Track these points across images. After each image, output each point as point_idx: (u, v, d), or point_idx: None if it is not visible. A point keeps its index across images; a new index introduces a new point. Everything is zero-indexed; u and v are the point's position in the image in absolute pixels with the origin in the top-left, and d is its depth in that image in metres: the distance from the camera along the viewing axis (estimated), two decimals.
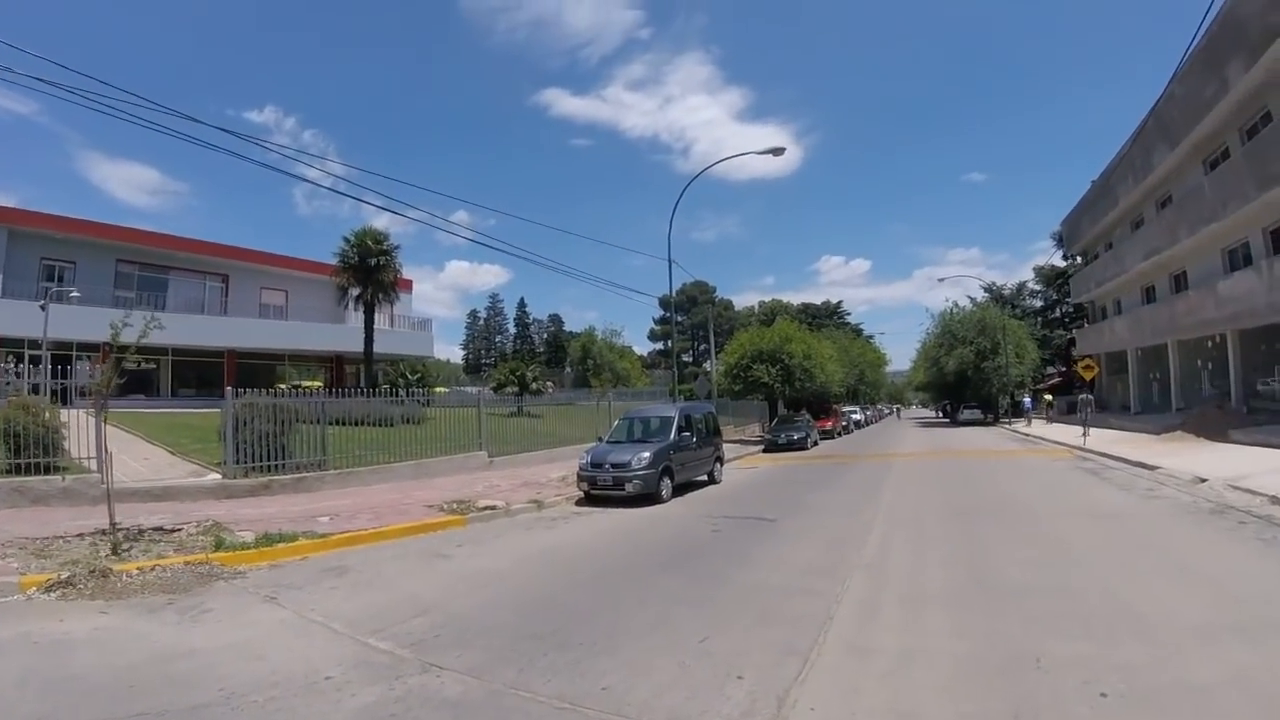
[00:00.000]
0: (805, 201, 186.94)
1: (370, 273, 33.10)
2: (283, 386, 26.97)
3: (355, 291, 33.66)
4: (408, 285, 46.75)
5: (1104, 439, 25.33)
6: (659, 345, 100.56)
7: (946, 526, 10.66)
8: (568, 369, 70.63)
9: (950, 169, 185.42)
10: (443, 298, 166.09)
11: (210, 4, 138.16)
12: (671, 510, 14.05)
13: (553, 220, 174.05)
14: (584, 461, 15.98)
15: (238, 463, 15.05)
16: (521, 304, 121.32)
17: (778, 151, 23.98)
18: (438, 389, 56.49)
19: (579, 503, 15.29)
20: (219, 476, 15.14)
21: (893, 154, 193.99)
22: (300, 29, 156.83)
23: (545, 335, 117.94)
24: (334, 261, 33.61)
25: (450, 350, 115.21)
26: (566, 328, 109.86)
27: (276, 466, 15.65)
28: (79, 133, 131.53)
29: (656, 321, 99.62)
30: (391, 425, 20.01)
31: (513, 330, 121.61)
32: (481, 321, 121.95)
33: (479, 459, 20.59)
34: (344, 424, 18.48)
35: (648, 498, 14.92)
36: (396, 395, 22.98)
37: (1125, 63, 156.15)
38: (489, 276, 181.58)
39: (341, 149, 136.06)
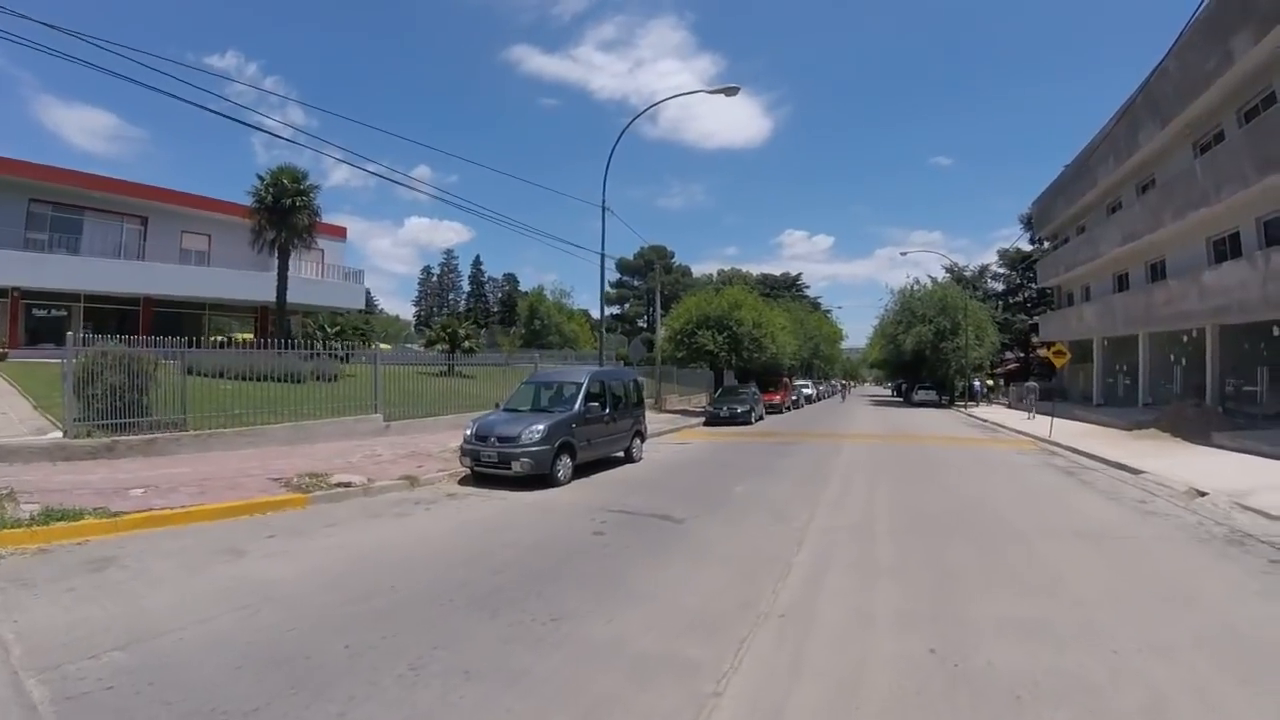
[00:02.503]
0: (772, 174, 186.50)
1: (285, 214, 29.96)
2: (220, 338, 24.67)
3: (270, 235, 30.44)
4: (340, 232, 44.43)
5: (1069, 431, 23.24)
6: (615, 309, 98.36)
7: (904, 548, 8.01)
8: (513, 329, 68.41)
9: (918, 151, 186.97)
10: (402, 254, 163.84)
11: None
12: (562, 498, 11.45)
13: (515, 180, 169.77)
14: (468, 433, 13.33)
15: (80, 420, 13.20)
16: (477, 261, 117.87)
17: (730, 91, 21.26)
18: (380, 345, 54.68)
19: (462, 481, 12.90)
20: (60, 435, 13.17)
21: (861, 132, 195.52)
22: None
23: (500, 295, 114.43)
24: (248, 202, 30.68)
25: (404, 307, 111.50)
26: (522, 287, 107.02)
27: (128, 425, 13.65)
28: (34, 75, 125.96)
29: (612, 285, 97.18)
30: (300, 382, 17.96)
31: (467, 289, 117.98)
32: (435, 279, 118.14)
33: (373, 423, 18.24)
34: (247, 379, 16.96)
35: (540, 479, 12.40)
36: (312, 349, 20.70)
37: (1096, 60, 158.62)
38: (450, 234, 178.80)
39: (303, 99, 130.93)
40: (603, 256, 22.63)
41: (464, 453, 13.05)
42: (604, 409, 14.66)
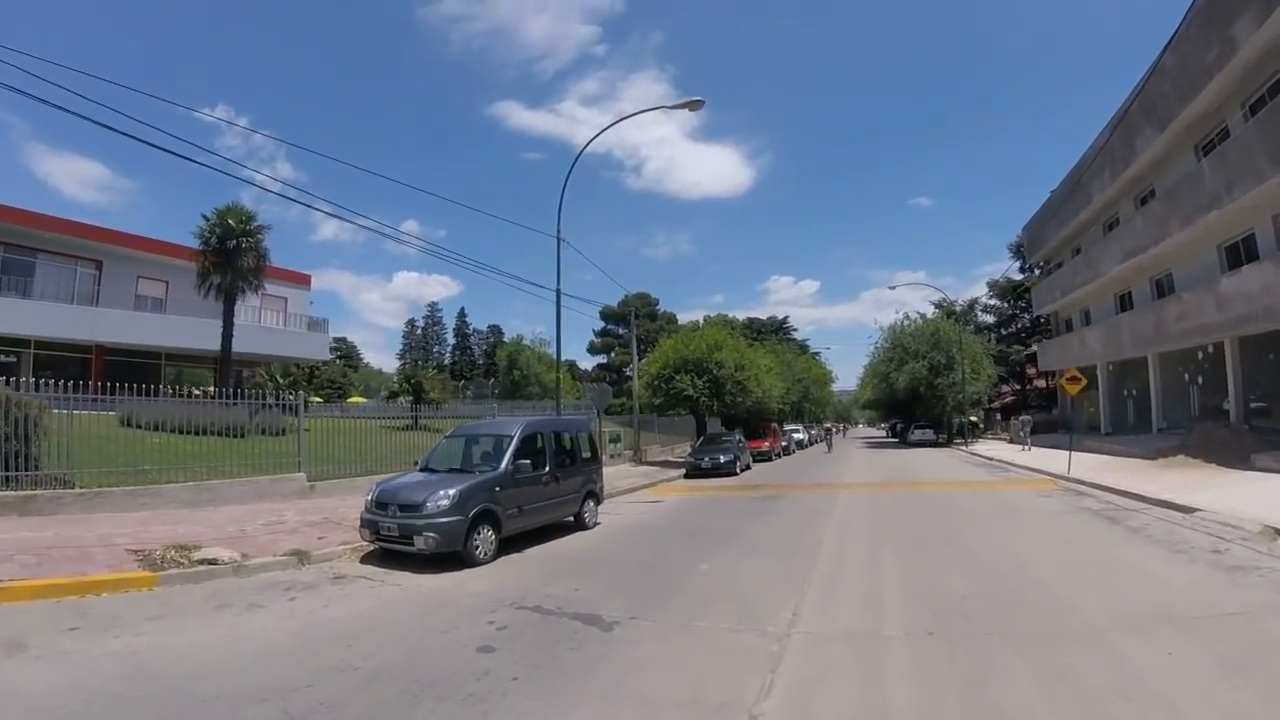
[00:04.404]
0: (756, 222, 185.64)
1: (231, 256, 28.22)
2: (198, 391, 21.71)
3: (215, 279, 28.58)
4: (304, 280, 42.81)
5: (1087, 464, 20.77)
6: (600, 359, 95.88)
7: (931, 674, 5.18)
8: (491, 380, 66.34)
9: (898, 193, 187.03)
10: (392, 308, 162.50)
11: (165, 2, 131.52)
12: (471, 585, 8.80)
13: (501, 232, 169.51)
14: (369, 499, 10.82)
15: None
16: (461, 314, 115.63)
17: (694, 105, 19.04)
18: (357, 398, 52.49)
19: (366, 557, 10.52)
20: None
21: (841, 177, 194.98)
22: (254, 28, 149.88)
23: (485, 347, 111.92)
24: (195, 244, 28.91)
25: (391, 362, 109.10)
26: (506, 339, 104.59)
27: (3, 480, 12.20)
28: (26, 122, 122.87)
29: (596, 334, 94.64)
30: (242, 436, 16.86)
31: (452, 341, 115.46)
32: (419, 331, 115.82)
33: (294, 483, 16.01)
34: (185, 432, 16.07)
35: (453, 557, 9.81)
36: (267, 400, 18.57)
37: (1073, 92, 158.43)
38: (438, 287, 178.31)
39: (292, 153, 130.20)
40: (558, 292, 20.24)
41: (363, 523, 10.56)
42: (541, 467, 12.01)
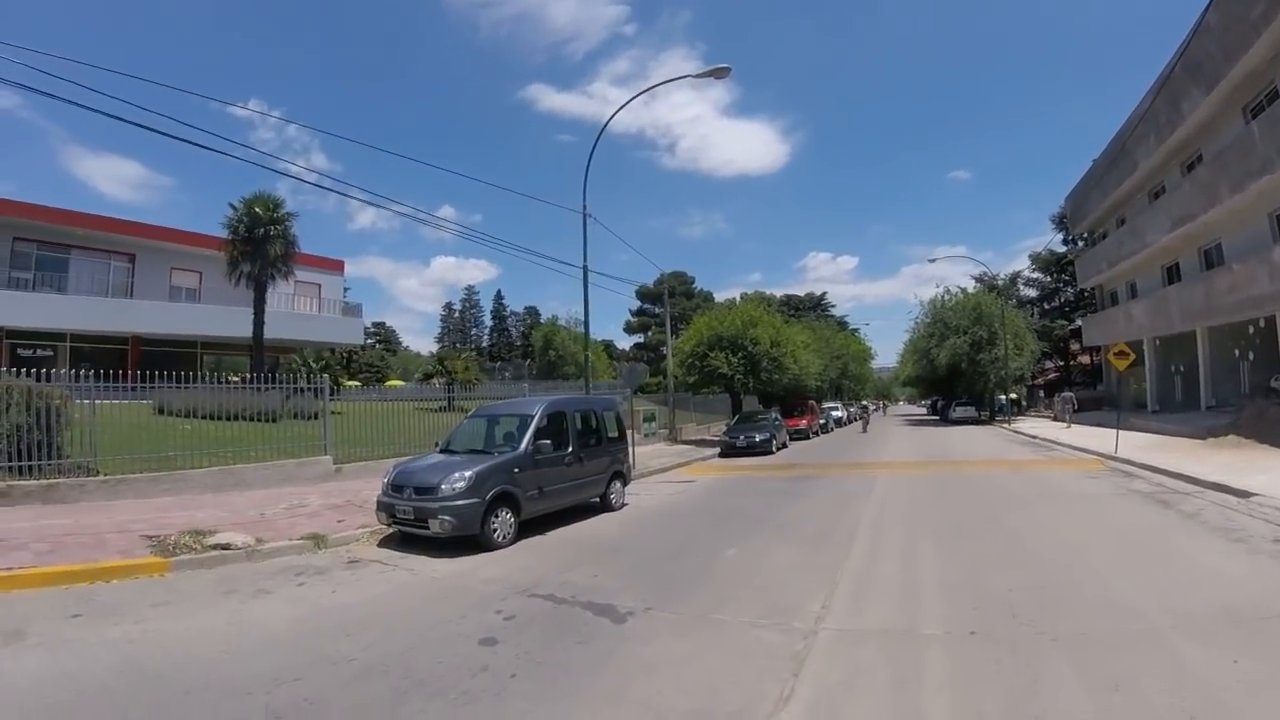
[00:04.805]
0: (792, 199, 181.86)
1: (259, 245, 28.18)
2: (235, 378, 22.24)
3: (245, 267, 28.58)
4: (338, 266, 42.92)
5: (1134, 444, 19.88)
6: (637, 338, 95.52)
7: (974, 681, 4.67)
8: (528, 361, 66.56)
9: (936, 167, 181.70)
10: (430, 293, 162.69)
11: None
12: (485, 571, 8.49)
13: (536, 214, 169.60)
14: (385, 481, 10.58)
15: None
16: (499, 296, 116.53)
17: (720, 73, 18.40)
18: (394, 382, 52.84)
19: (384, 540, 10.30)
20: None
21: (877, 152, 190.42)
22: (284, 19, 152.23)
23: (521, 328, 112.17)
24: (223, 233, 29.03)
25: (430, 345, 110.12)
26: (543, 320, 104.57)
27: (29, 469, 12.32)
28: (63, 127, 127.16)
29: (633, 314, 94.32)
30: (274, 421, 16.96)
31: (489, 324, 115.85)
32: (456, 315, 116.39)
33: (320, 466, 15.95)
34: (216, 418, 15.86)
35: (470, 541, 9.53)
36: (294, 385, 18.45)
37: (1110, 69, 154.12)
38: (475, 271, 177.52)
39: (326, 143, 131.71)
40: (585, 269, 19.83)
41: (379, 506, 10.32)
42: (564, 447, 11.64)
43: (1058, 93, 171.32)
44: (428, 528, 9.43)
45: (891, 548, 9.18)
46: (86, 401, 13.59)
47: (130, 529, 10.05)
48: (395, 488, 10.15)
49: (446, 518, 9.30)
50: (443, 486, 9.55)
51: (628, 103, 22.94)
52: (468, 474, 9.70)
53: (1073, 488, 14.39)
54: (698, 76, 19.55)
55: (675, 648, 5.52)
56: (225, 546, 9.12)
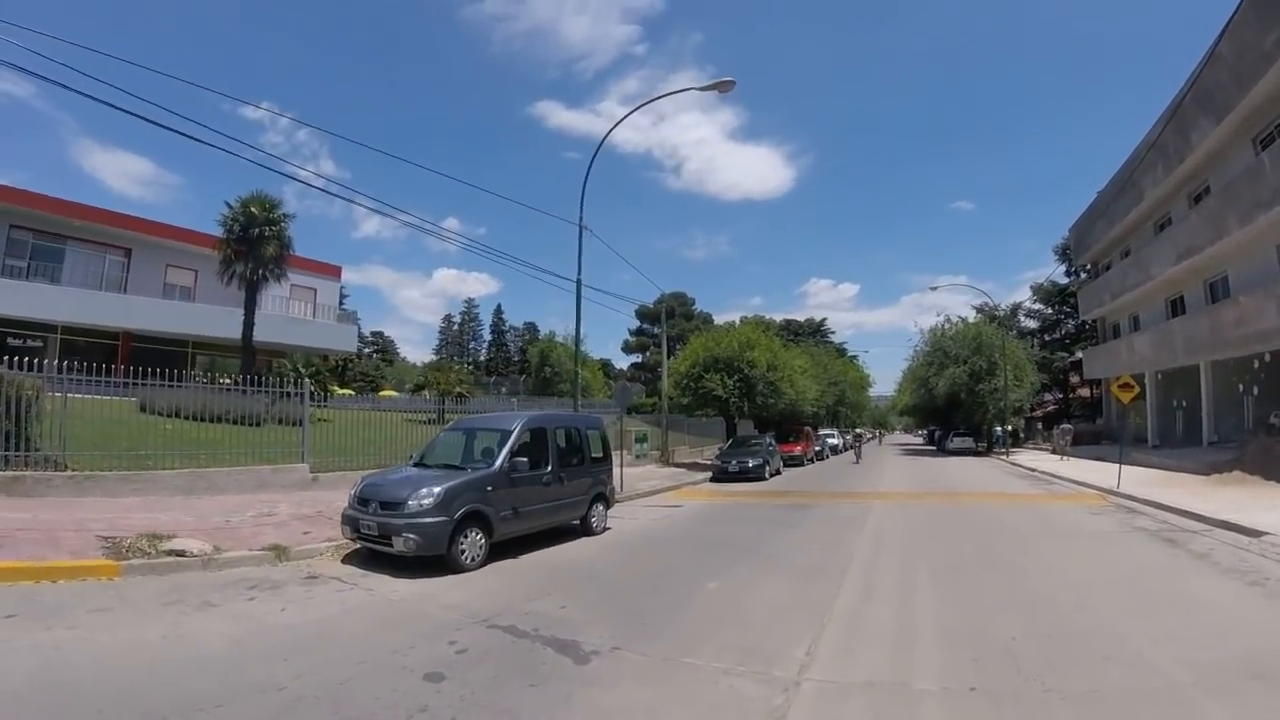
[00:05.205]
0: (796, 224, 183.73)
1: (254, 245, 27.64)
2: (226, 380, 21.91)
3: (238, 267, 28.04)
4: (334, 272, 42.39)
5: (1136, 478, 19.39)
6: (635, 358, 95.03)
7: None
8: (522, 376, 66.10)
9: (939, 196, 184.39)
10: (431, 305, 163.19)
11: (212, 2, 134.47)
12: (447, 595, 7.94)
13: (539, 231, 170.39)
14: (352, 493, 10.06)
15: None
16: (498, 311, 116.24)
17: (724, 86, 18.15)
18: (387, 392, 52.44)
19: (348, 556, 9.76)
20: None
21: (883, 179, 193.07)
22: (298, 26, 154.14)
23: (520, 343, 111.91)
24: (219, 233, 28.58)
25: (428, 356, 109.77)
26: (541, 336, 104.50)
27: None
28: (74, 119, 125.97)
29: (632, 333, 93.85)
30: (259, 425, 16.51)
31: (488, 337, 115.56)
32: (455, 327, 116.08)
33: (296, 474, 15.70)
34: (200, 419, 15.87)
35: (437, 561, 8.98)
36: (279, 389, 17.84)
37: (1116, 101, 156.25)
38: (477, 285, 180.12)
39: (334, 149, 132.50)
40: (579, 282, 19.47)
41: (344, 519, 9.76)
42: (543, 465, 11.09)
43: (1062, 120, 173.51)
44: (391, 545, 8.89)
45: (886, 586, 8.58)
46: (59, 395, 13.30)
47: (88, 528, 9.70)
48: (361, 501, 9.61)
49: (411, 535, 8.75)
50: (409, 502, 9.01)
51: (630, 114, 23.01)
52: (436, 490, 9.16)
53: (1076, 524, 13.82)
54: (702, 89, 19.38)
55: (638, 695, 4.93)
56: (180, 553, 8.71)
